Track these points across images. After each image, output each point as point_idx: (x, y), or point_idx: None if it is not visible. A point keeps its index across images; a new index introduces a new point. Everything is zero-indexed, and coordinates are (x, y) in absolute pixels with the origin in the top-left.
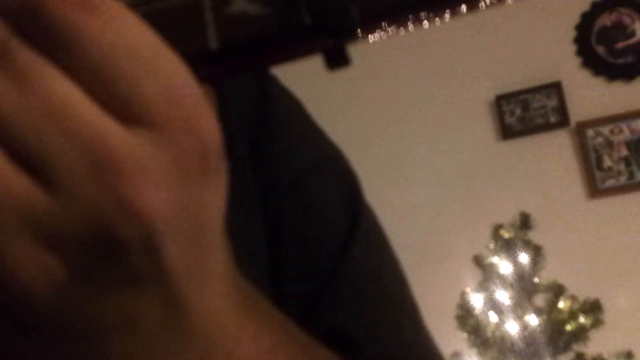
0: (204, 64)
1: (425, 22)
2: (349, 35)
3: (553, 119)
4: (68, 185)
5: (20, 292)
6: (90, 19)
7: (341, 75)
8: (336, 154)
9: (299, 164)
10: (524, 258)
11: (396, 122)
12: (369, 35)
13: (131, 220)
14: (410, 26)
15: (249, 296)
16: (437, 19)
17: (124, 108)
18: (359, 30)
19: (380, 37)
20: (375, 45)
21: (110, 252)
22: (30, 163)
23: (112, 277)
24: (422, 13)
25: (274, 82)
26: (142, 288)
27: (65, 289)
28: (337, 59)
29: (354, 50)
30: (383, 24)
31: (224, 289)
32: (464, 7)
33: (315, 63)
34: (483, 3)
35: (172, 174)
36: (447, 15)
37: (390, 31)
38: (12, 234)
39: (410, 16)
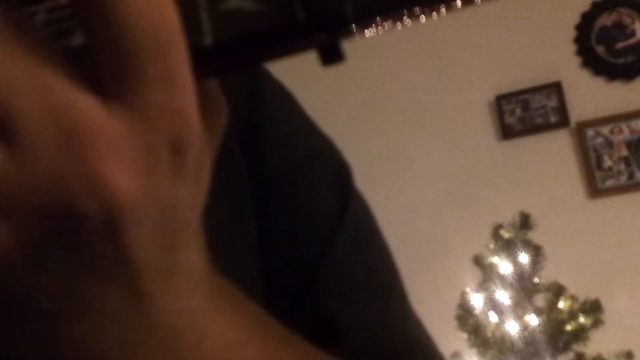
0: (198, 60)
1: (422, 17)
2: (344, 30)
3: (553, 119)
4: (33, 147)
5: None
6: None
7: (341, 75)
8: (328, 145)
9: (290, 155)
10: (524, 258)
11: (396, 122)
12: (365, 31)
13: (92, 193)
14: (407, 21)
15: (219, 291)
16: (433, 13)
17: (115, 81)
18: (353, 25)
19: (377, 32)
20: (375, 45)
21: (67, 225)
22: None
23: (69, 255)
24: (417, 8)
25: (265, 75)
26: (101, 273)
27: (14, 260)
28: (331, 55)
29: (355, 50)
30: (378, 19)
31: (192, 284)
32: (459, 2)
33: (313, 61)
34: None
35: (146, 160)
36: (443, 10)
37: (385, 26)
38: None
39: (405, 11)
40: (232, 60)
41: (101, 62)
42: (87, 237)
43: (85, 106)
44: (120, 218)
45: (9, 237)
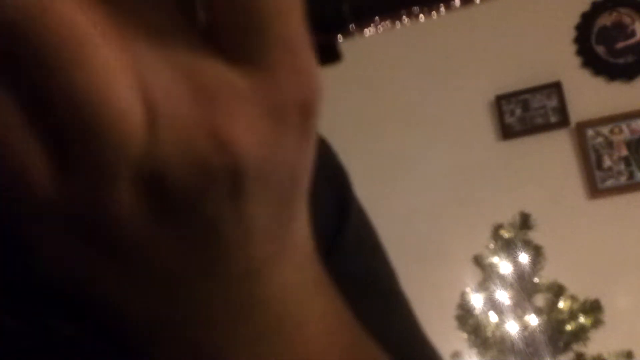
0: None
1: (421, 16)
2: (341, 30)
3: (553, 119)
4: (170, 115)
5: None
6: None
7: (340, 74)
8: (325, 149)
9: None
10: (524, 258)
11: (396, 122)
12: (363, 30)
13: (219, 148)
14: (405, 20)
15: (320, 273)
16: (432, 12)
17: (241, 42)
18: (351, 25)
19: (375, 31)
20: (375, 45)
21: (196, 185)
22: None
23: (195, 214)
24: (416, 7)
25: None
26: (220, 234)
27: (146, 221)
28: (329, 55)
29: (355, 50)
30: (376, 18)
31: (302, 261)
32: (457, 1)
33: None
34: None
35: (274, 119)
36: (442, 9)
37: (384, 26)
38: (117, 165)
39: (403, 10)
40: None
41: (225, 23)
42: (212, 195)
43: (214, 66)
44: (245, 177)
45: (143, 205)
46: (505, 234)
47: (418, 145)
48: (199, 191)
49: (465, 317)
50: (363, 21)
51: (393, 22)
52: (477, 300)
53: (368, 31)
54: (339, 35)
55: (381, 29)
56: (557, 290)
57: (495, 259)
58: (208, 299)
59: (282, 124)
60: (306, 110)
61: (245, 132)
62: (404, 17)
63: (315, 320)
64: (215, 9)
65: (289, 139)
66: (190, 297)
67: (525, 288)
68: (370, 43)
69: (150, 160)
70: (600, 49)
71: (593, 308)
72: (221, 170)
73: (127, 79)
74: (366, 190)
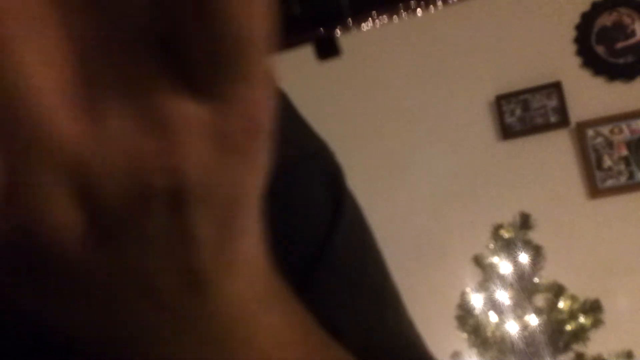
0: None
1: (419, 10)
2: (339, 25)
3: (553, 119)
4: (115, 128)
5: (45, 239)
6: None
7: (340, 74)
8: (321, 146)
9: (282, 157)
10: (524, 258)
11: (396, 122)
12: (361, 25)
13: (166, 170)
14: (403, 14)
15: (274, 287)
16: (429, 6)
17: (206, 73)
18: (349, 20)
19: (373, 26)
20: (375, 45)
21: (139, 204)
22: (86, 102)
23: (135, 235)
24: (413, 1)
25: None
26: (163, 250)
27: (84, 244)
28: (327, 49)
29: (355, 50)
30: (374, 12)
31: (251, 275)
32: None
33: (312, 63)
34: None
35: (222, 144)
36: (439, 3)
37: (382, 20)
38: (52, 172)
39: (401, 4)
40: None
41: (191, 53)
42: (153, 213)
43: (175, 96)
44: (187, 192)
45: (78, 222)
46: (505, 234)
47: (418, 145)
48: (136, 209)
49: (465, 317)
50: (361, 15)
51: (391, 16)
52: (477, 300)
53: (366, 25)
54: (338, 30)
55: (379, 23)
56: (557, 290)
57: (495, 259)
58: (149, 315)
59: (230, 147)
60: (255, 136)
61: (193, 156)
62: (401, 11)
63: (265, 333)
64: (190, 45)
65: (237, 163)
66: (134, 314)
67: (525, 288)
68: (370, 42)
69: (86, 170)
70: (600, 49)
71: (593, 308)
72: (164, 189)
73: (62, 83)
74: (366, 190)
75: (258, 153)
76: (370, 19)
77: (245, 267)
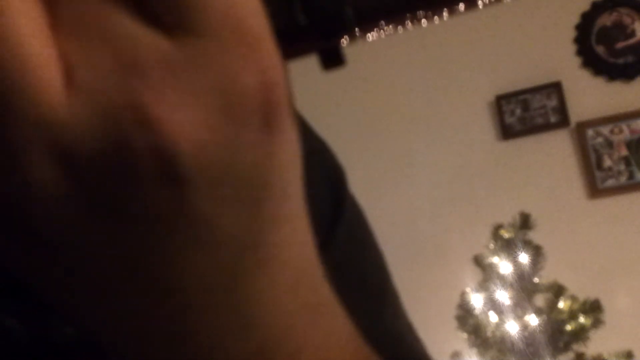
0: None
1: (424, 21)
2: (344, 35)
3: (553, 119)
4: (89, 84)
5: (30, 203)
6: None
7: (341, 75)
8: (322, 146)
9: None
10: (524, 258)
11: (396, 122)
12: (367, 35)
13: (142, 125)
14: (408, 25)
15: (322, 297)
16: (435, 17)
17: (172, 3)
18: (355, 29)
19: (379, 36)
20: (375, 46)
21: (120, 165)
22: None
23: (131, 208)
24: (420, 12)
25: None
26: (167, 231)
27: (69, 210)
28: (332, 60)
29: (355, 50)
30: (380, 22)
31: (292, 279)
32: (462, 6)
33: (312, 63)
34: (481, 2)
35: (223, 105)
36: (445, 14)
37: (387, 30)
38: (29, 134)
39: (407, 15)
40: None
41: None
42: (143, 182)
43: (145, 35)
44: (177, 162)
45: (59, 183)
46: (505, 234)
47: (418, 145)
48: (120, 174)
49: (465, 317)
50: (366, 25)
51: (396, 27)
52: (477, 300)
53: (371, 36)
54: (343, 40)
55: (384, 33)
56: (557, 290)
57: (495, 259)
58: (166, 313)
59: (235, 114)
60: (267, 99)
61: (177, 110)
62: (407, 21)
63: (311, 351)
64: None
65: (247, 134)
66: (137, 307)
67: (525, 288)
68: (371, 43)
69: (66, 132)
70: (600, 49)
71: (593, 308)
72: (143, 150)
73: (42, 42)
74: (366, 190)
75: (276, 122)
76: (375, 29)
77: (283, 268)
